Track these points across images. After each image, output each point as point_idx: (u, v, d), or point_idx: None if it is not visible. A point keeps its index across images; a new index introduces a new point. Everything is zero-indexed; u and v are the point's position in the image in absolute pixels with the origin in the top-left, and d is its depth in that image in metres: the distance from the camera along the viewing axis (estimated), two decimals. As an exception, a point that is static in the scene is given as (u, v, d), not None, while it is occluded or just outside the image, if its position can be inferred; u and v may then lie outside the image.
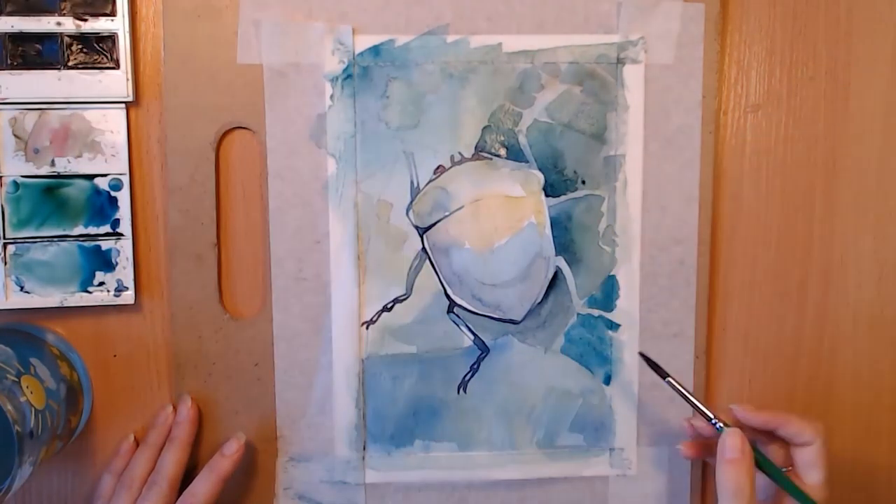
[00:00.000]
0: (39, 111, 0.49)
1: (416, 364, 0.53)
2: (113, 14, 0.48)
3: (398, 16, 0.50)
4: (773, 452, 0.49)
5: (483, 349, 0.53)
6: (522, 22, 0.51)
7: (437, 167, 0.52)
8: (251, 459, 0.53)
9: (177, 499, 0.48)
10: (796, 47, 0.54)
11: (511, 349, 0.53)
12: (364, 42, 0.50)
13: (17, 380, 0.44)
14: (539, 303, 0.53)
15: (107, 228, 0.50)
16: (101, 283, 0.50)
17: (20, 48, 0.48)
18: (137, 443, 0.51)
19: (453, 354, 0.53)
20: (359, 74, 0.50)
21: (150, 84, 0.50)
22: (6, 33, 0.48)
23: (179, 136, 0.50)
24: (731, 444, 0.46)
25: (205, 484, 0.48)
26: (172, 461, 0.49)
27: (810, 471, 0.47)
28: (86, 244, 0.50)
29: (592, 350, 0.54)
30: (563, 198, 0.52)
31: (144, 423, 0.52)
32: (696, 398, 0.49)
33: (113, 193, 0.50)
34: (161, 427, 0.50)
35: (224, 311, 0.51)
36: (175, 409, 0.51)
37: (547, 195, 0.52)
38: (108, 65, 0.49)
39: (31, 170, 0.49)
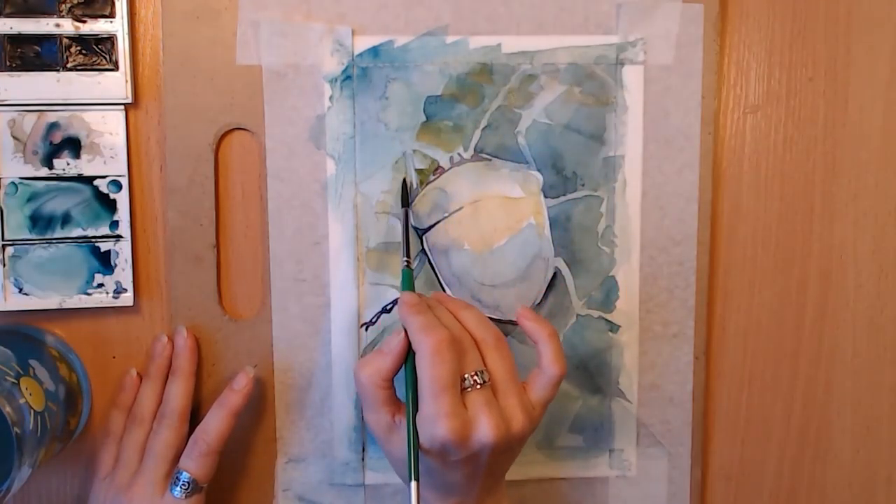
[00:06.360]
0: (38, 113, 0.49)
1: (416, 365, 0.53)
2: (112, 16, 0.48)
3: (397, 17, 0.50)
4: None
5: (482, 350, 0.53)
6: (522, 23, 0.51)
7: (437, 168, 0.52)
8: (250, 461, 0.53)
9: (188, 432, 0.48)
10: (795, 48, 0.54)
11: (510, 350, 0.53)
12: (363, 43, 0.50)
13: (16, 381, 0.44)
14: (538, 304, 0.53)
15: (106, 230, 0.50)
16: (101, 285, 0.50)
17: (19, 50, 0.48)
18: (140, 377, 0.51)
19: (453, 355, 0.53)
20: (358, 75, 0.50)
21: (149, 85, 0.50)
22: (5, 35, 0.48)
23: (178, 138, 0.50)
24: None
25: (216, 420, 0.48)
26: (178, 393, 0.48)
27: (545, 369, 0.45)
28: (85, 246, 0.50)
29: (592, 351, 0.54)
30: (562, 199, 0.52)
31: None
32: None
33: (112, 195, 0.50)
34: (160, 359, 0.50)
35: (223, 313, 0.51)
36: (169, 339, 0.50)
37: (546, 196, 0.52)
38: (106, 66, 0.49)
39: (30, 171, 0.49)
